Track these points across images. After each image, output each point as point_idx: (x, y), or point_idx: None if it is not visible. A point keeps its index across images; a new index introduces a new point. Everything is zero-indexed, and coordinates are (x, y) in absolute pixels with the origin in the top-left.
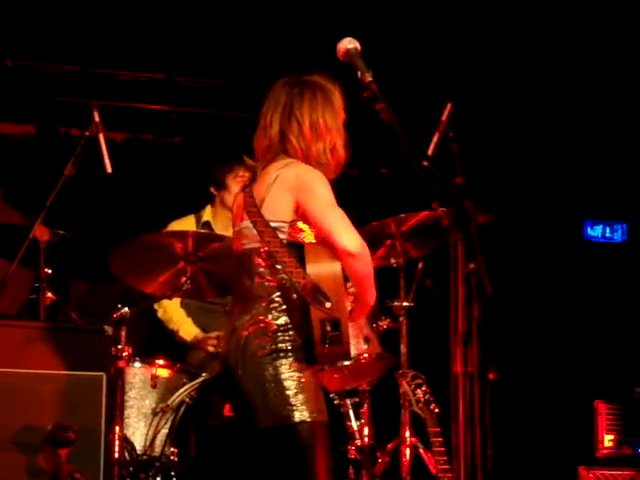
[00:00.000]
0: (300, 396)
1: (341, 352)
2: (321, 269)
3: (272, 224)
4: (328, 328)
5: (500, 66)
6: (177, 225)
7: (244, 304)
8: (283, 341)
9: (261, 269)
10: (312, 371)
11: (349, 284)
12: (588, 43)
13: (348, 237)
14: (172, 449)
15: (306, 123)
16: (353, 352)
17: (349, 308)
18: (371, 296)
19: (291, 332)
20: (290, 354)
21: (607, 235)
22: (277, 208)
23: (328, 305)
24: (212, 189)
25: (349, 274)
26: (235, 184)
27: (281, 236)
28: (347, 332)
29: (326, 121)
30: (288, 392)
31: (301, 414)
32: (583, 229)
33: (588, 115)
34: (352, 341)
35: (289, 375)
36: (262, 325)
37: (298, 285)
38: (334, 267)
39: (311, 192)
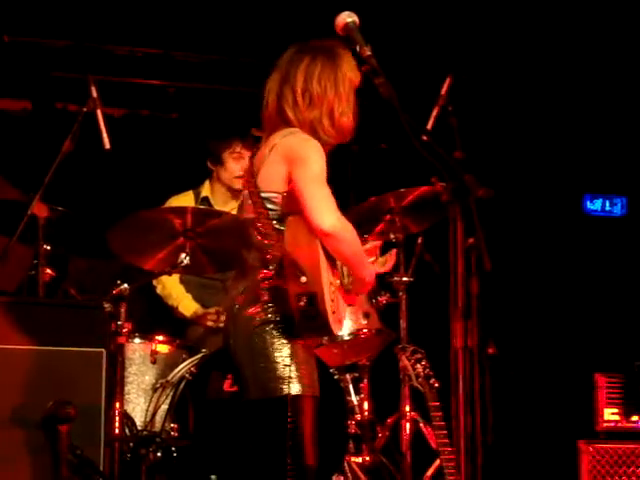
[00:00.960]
0: (288, 369)
1: (317, 326)
2: (299, 242)
3: (263, 194)
4: (301, 303)
5: (499, 39)
6: (176, 201)
7: (241, 274)
8: (273, 312)
9: (256, 240)
10: (302, 344)
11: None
12: (588, 17)
13: (323, 215)
14: (172, 425)
15: (298, 91)
16: (353, 327)
17: (348, 283)
18: (362, 272)
19: (280, 304)
20: (279, 325)
21: (607, 209)
22: (271, 178)
23: (303, 279)
24: (209, 163)
25: (330, 252)
26: (231, 160)
27: (271, 207)
28: (324, 307)
29: (323, 87)
30: (276, 364)
31: (289, 387)
32: (583, 203)
33: (587, 88)
34: (352, 317)
35: (277, 347)
36: (253, 295)
37: (275, 258)
38: (312, 241)
39: (301, 163)
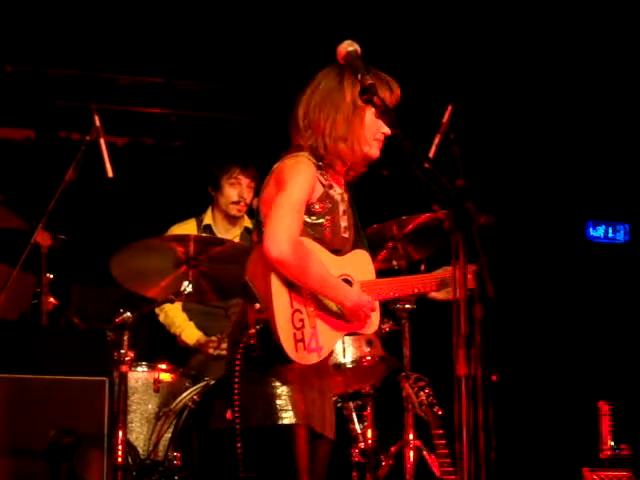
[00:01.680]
0: (279, 398)
1: (274, 352)
2: (257, 268)
3: (258, 218)
4: (252, 330)
5: (501, 68)
6: (178, 229)
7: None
8: (259, 342)
9: None
10: (297, 371)
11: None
12: (588, 46)
13: (273, 242)
14: (175, 453)
15: (300, 116)
16: (355, 355)
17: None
18: (335, 298)
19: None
20: (268, 354)
21: (610, 235)
22: (265, 202)
23: (257, 306)
24: (210, 189)
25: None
26: (228, 185)
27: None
28: (276, 334)
29: (317, 114)
30: (267, 393)
31: (280, 416)
32: (586, 229)
33: (590, 116)
34: (355, 344)
35: (269, 375)
36: (243, 321)
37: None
38: (267, 267)
39: (282, 187)
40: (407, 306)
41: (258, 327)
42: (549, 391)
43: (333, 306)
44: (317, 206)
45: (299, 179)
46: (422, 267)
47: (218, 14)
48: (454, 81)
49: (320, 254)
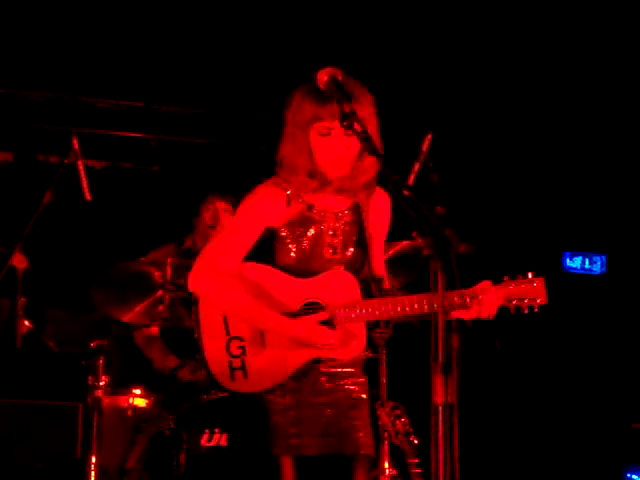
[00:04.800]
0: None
1: (206, 379)
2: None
3: None
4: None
5: (480, 97)
6: (156, 254)
7: None
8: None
9: None
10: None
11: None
12: (563, 74)
13: (193, 270)
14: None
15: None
16: None
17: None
18: (260, 326)
19: None
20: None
21: (586, 267)
22: None
23: (196, 335)
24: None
25: None
26: (205, 211)
27: None
28: (206, 362)
29: (284, 135)
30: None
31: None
32: (562, 260)
33: (566, 147)
34: None
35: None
36: None
37: None
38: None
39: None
40: (384, 333)
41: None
42: (524, 420)
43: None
44: (283, 232)
45: (245, 204)
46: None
47: (198, 39)
48: (433, 109)
49: (276, 280)
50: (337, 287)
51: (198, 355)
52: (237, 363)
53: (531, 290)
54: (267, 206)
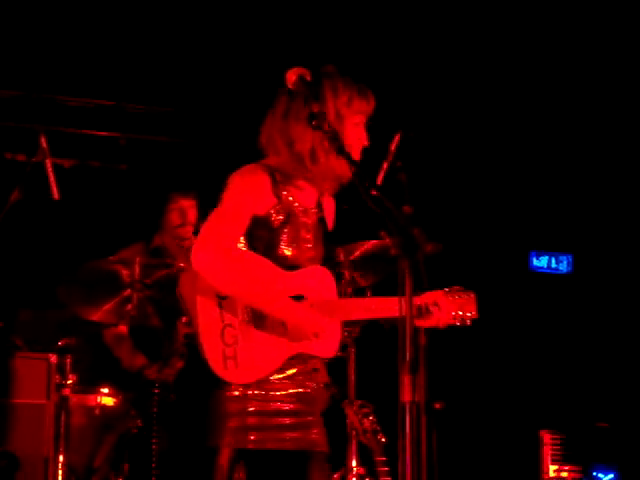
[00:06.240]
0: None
1: (207, 370)
2: (188, 280)
3: None
4: (185, 343)
5: (449, 97)
6: (125, 252)
7: None
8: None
9: None
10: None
11: None
12: (529, 74)
13: (197, 249)
14: (117, 478)
15: (263, 144)
16: None
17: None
18: (266, 310)
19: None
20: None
21: (553, 266)
22: None
23: (184, 320)
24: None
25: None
26: (170, 210)
27: None
28: (202, 348)
29: (278, 135)
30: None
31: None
32: (529, 260)
33: (534, 147)
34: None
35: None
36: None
37: None
38: (195, 278)
39: (223, 194)
40: (353, 332)
41: (186, 340)
42: (491, 419)
43: (277, 323)
44: (272, 217)
45: (235, 185)
46: (368, 294)
47: (167, 38)
48: (402, 109)
49: (268, 269)
50: (320, 284)
51: (195, 341)
52: (230, 352)
53: (467, 303)
54: (257, 187)
